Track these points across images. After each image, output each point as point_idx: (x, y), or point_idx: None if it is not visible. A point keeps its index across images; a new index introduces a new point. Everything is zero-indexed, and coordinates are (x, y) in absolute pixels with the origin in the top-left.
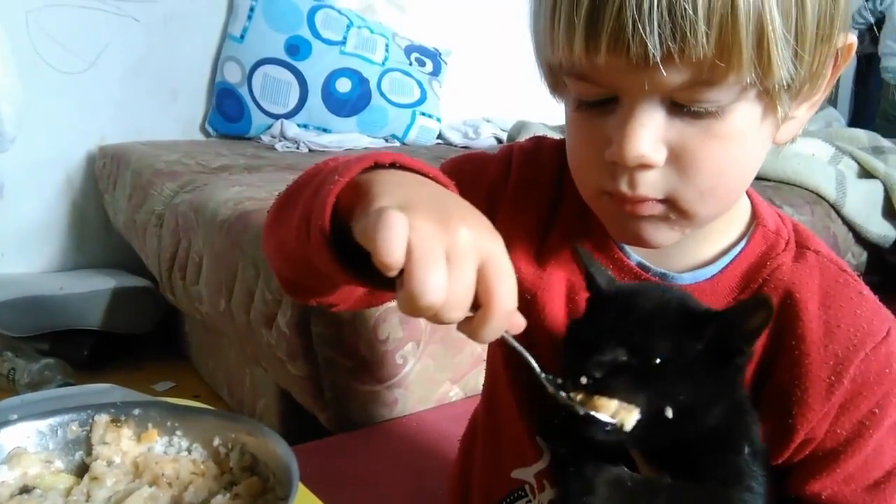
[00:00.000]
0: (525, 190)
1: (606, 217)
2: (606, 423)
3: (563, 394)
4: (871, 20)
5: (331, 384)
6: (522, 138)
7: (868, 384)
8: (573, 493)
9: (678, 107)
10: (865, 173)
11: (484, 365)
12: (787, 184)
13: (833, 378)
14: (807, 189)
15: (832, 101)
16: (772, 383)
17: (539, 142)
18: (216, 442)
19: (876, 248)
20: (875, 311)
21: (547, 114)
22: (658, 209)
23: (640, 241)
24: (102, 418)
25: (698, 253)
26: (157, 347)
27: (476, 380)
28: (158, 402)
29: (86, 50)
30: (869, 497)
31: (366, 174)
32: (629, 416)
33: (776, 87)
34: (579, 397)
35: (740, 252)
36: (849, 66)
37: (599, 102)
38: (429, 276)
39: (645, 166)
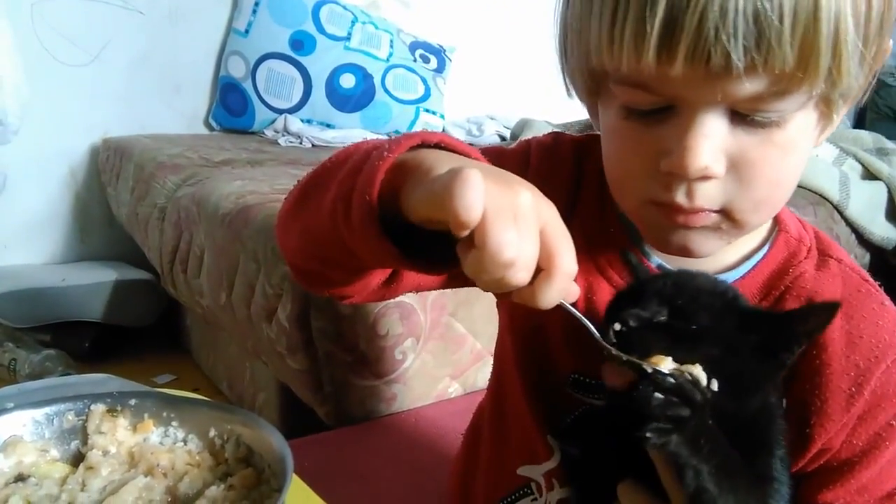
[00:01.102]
0: (542, 186)
1: (651, 227)
2: (674, 376)
3: (623, 355)
4: None
5: (330, 379)
6: (525, 136)
7: (887, 396)
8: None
9: (740, 116)
10: (869, 175)
11: (484, 362)
12: None
13: (854, 389)
14: (810, 190)
15: None
16: (791, 393)
17: (557, 137)
18: (212, 433)
19: (879, 250)
20: None
21: (550, 112)
22: (712, 219)
23: (686, 252)
24: (99, 408)
25: (721, 258)
26: (158, 340)
27: (475, 376)
28: (154, 392)
29: (90, 43)
30: None
31: (410, 153)
32: (696, 372)
33: (839, 94)
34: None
35: (763, 258)
36: None
37: (653, 111)
38: (505, 234)
39: (706, 178)
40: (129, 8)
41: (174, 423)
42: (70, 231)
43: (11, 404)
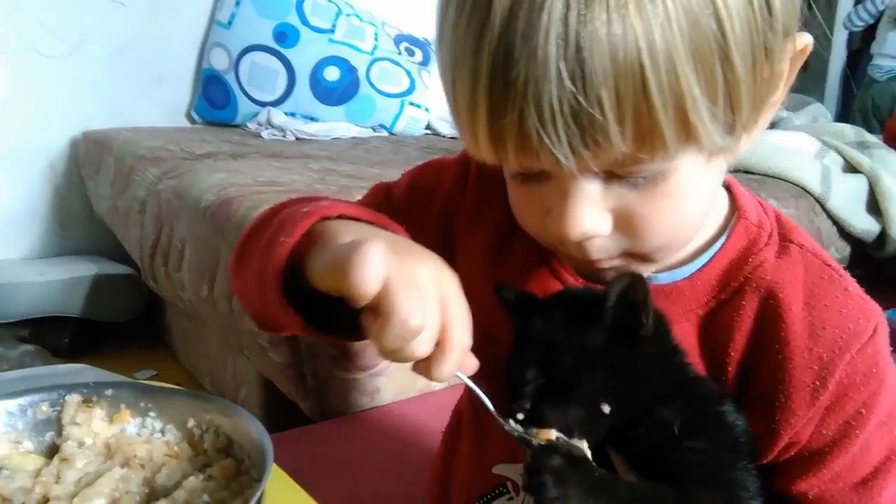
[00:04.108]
0: (487, 192)
1: (570, 264)
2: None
3: (516, 426)
4: (871, 20)
5: (313, 372)
6: None
7: (854, 385)
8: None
9: (617, 175)
10: (851, 168)
11: None
12: (772, 177)
13: (818, 383)
14: (792, 182)
15: (819, 96)
16: (753, 388)
17: None
18: (190, 423)
19: (860, 242)
20: (861, 309)
21: None
22: (616, 262)
23: (607, 284)
24: (74, 398)
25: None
26: (139, 335)
27: None
28: (131, 382)
29: (70, 33)
30: (856, 496)
31: (315, 225)
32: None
33: (716, 146)
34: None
35: (720, 248)
36: (837, 62)
37: (535, 174)
38: (412, 302)
39: (591, 238)
40: None
41: (151, 414)
42: (49, 225)
43: None
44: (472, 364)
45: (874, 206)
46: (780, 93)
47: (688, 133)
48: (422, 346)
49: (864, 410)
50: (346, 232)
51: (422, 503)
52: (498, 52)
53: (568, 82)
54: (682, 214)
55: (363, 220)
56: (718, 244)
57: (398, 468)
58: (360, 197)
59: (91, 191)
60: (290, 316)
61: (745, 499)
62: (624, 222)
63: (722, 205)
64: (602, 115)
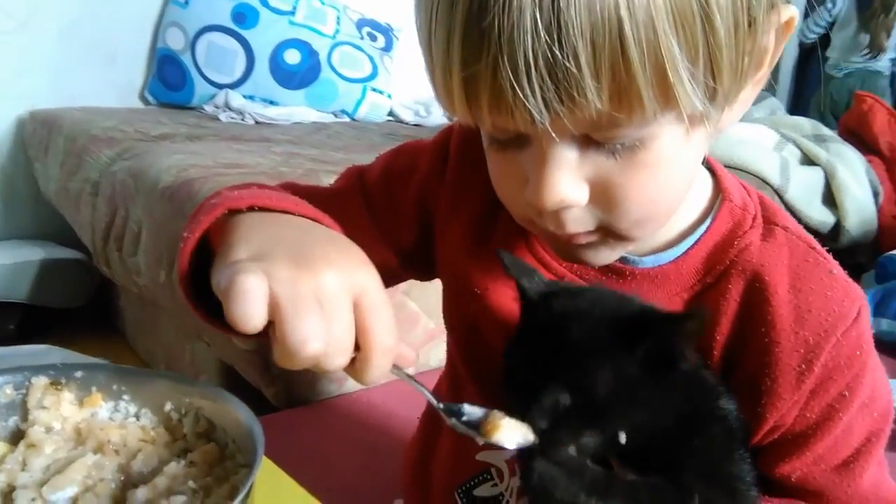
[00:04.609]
0: (466, 175)
1: (545, 242)
2: (510, 451)
3: (460, 424)
4: (826, 27)
5: None
6: None
7: (839, 368)
8: (532, 477)
9: (594, 142)
10: (808, 160)
11: (436, 342)
12: (733, 168)
13: (804, 366)
14: (751, 174)
15: (772, 90)
16: (739, 372)
17: None
18: (167, 407)
19: (815, 233)
20: (846, 292)
21: None
22: (593, 237)
23: (583, 263)
24: (40, 381)
25: (660, 234)
26: (90, 322)
27: (428, 356)
28: (104, 364)
29: (17, 8)
30: (838, 477)
31: (228, 216)
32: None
33: (696, 112)
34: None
35: (705, 231)
36: (789, 59)
37: (512, 139)
38: (304, 326)
39: (568, 207)
40: None
41: (125, 397)
42: None
43: None
44: (408, 357)
45: (830, 198)
46: (765, 70)
47: (666, 95)
48: (334, 361)
49: (847, 393)
50: (250, 231)
51: (392, 491)
52: (473, 2)
53: (543, 33)
54: (659, 187)
55: (277, 209)
56: (703, 227)
57: (366, 456)
58: (330, 181)
59: (38, 172)
60: (201, 315)
61: (743, 490)
62: (601, 193)
63: (706, 187)
64: (578, 68)
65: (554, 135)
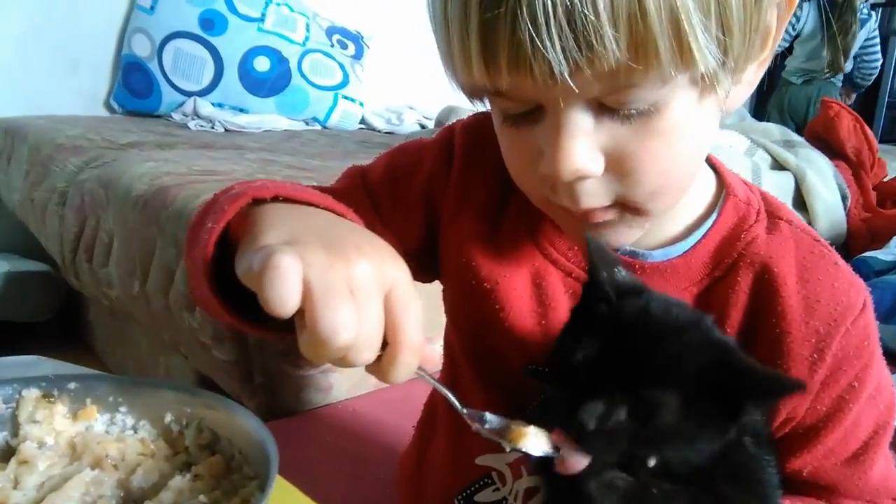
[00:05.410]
0: (472, 171)
1: (561, 223)
2: (513, 454)
3: (485, 430)
4: (790, 40)
5: (262, 369)
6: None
7: (848, 358)
8: (561, 492)
9: (608, 109)
10: (778, 165)
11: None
12: None
13: (815, 356)
14: None
15: None
16: None
17: (483, 116)
18: (168, 419)
19: None
20: (851, 282)
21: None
22: (609, 214)
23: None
24: (32, 393)
25: (668, 228)
26: (57, 336)
27: None
28: (98, 375)
29: None
30: (849, 470)
31: (251, 207)
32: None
33: (708, 72)
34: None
35: (712, 225)
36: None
37: (525, 114)
38: (337, 314)
39: (584, 177)
40: None
41: (122, 409)
42: None
43: None
44: (433, 359)
45: (800, 202)
46: (768, 52)
47: (682, 48)
48: (362, 355)
49: (856, 384)
50: (278, 219)
51: (383, 501)
52: None
53: None
54: (673, 156)
55: (302, 201)
56: (710, 221)
57: (356, 465)
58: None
59: (0, 182)
60: (223, 309)
61: (772, 496)
62: (616, 163)
63: (710, 183)
64: (596, 16)
65: (572, 92)
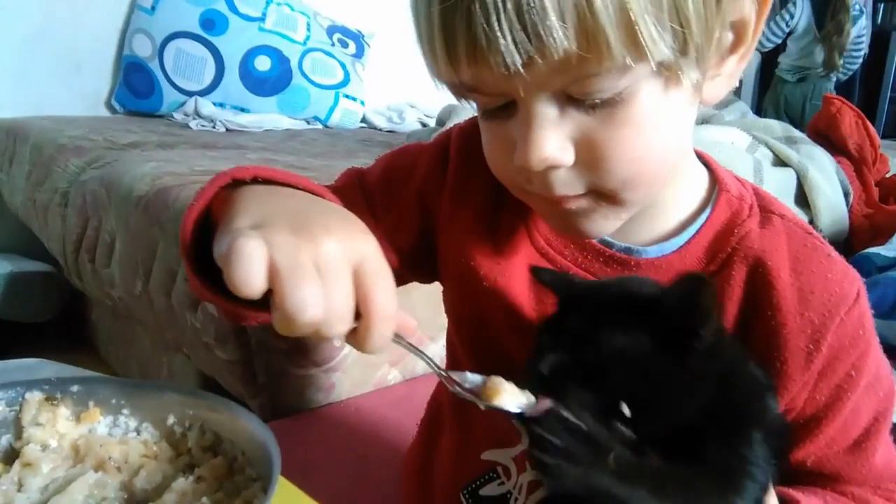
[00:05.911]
0: (468, 173)
1: (541, 213)
2: (511, 413)
3: (461, 390)
4: (780, 40)
5: (264, 368)
6: (452, 122)
7: (844, 348)
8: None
9: (574, 100)
10: (779, 162)
11: (423, 348)
12: None
13: (811, 347)
14: None
15: (738, 94)
16: None
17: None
18: (170, 421)
19: None
20: (844, 273)
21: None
22: (584, 202)
23: (580, 234)
24: (35, 396)
25: (661, 224)
26: (60, 337)
27: (415, 363)
28: (101, 377)
29: None
30: (852, 458)
31: (233, 190)
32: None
33: (666, 62)
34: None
35: (706, 220)
36: (750, 64)
37: (501, 108)
38: (303, 292)
39: (555, 167)
40: None
41: (125, 412)
42: None
43: None
44: (410, 325)
45: (802, 198)
46: (748, 45)
47: (634, 39)
48: (334, 328)
49: (853, 373)
50: (253, 201)
51: (387, 499)
52: None
53: None
54: (644, 144)
55: (280, 182)
56: (703, 217)
57: (360, 464)
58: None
59: (3, 183)
60: (204, 287)
61: (747, 471)
62: (586, 152)
63: (702, 179)
64: (542, 8)
65: (533, 84)
